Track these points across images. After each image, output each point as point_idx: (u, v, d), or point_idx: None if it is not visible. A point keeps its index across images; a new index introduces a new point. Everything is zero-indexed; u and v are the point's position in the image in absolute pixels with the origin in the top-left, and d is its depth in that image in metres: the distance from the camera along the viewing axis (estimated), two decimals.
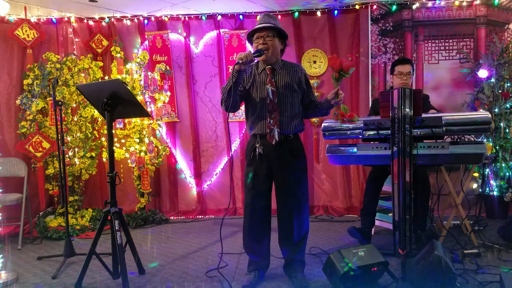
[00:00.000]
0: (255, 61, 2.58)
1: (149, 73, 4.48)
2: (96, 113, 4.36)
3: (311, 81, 4.62)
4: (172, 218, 4.69)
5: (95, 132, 4.47)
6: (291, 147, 2.58)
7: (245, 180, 2.68)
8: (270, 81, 2.55)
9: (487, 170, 4.23)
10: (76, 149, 4.34)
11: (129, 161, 4.37)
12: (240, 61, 2.37)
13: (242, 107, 2.76)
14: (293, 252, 2.67)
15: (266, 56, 2.53)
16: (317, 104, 2.68)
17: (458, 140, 2.79)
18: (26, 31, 4.32)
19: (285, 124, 2.55)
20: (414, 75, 4.44)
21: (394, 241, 2.59)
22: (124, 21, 4.70)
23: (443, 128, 2.55)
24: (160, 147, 4.55)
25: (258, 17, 4.59)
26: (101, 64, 4.55)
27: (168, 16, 4.69)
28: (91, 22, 4.69)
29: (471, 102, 4.35)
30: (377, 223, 3.67)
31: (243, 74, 2.49)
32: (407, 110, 2.44)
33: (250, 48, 4.67)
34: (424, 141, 2.70)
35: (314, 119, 4.65)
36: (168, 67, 4.63)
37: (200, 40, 4.74)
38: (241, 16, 4.65)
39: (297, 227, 2.63)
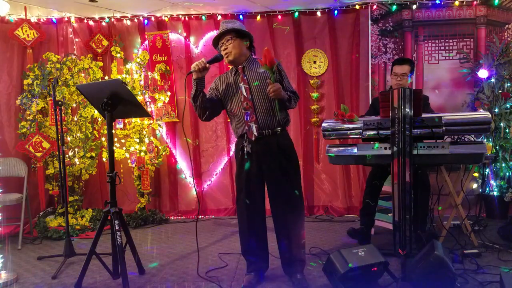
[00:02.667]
0: (217, 66, 2.62)
1: (149, 73, 4.48)
2: (96, 113, 4.36)
3: (311, 81, 4.63)
4: (172, 218, 4.69)
5: (95, 132, 4.47)
6: (279, 143, 2.58)
7: (236, 181, 2.69)
8: (242, 79, 2.58)
9: (487, 170, 4.23)
10: (76, 149, 4.34)
11: (129, 161, 4.38)
12: (192, 70, 2.46)
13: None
14: (292, 252, 2.65)
15: (229, 59, 2.58)
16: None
17: (458, 140, 2.78)
18: (26, 31, 4.32)
19: (264, 118, 2.56)
20: (414, 74, 4.44)
21: (394, 241, 2.59)
22: (124, 21, 4.70)
23: (443, 128, 2.55)
24: (160, 147, 4.55)
25: (258, 17, 4.62)
26: (101, 64, 4.55)
27: (168, 16, 4.69)
28: (91, 22, 4.69)
29: (471, 102, 4.35)
30: (377, 223, 3.67)
31: (202, 82, 2.54)
32: (407, 110, 2.44)
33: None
34: (424, 141, 2.70)
35: (314, 119, 4.65)
36: (168, 67, 4.64)
37: (200, 40, 4.74)
38: (241, 16, 4.64)
39: (293, 228, 2.61)
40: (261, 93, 2.57)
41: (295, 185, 2.63)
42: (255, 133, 2.54)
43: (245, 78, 2.58)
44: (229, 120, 4.64)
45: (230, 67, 2.69)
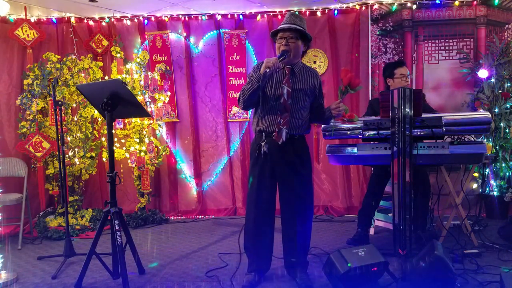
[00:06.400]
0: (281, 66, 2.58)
1: (149, 73, 4.48)
2: (96, 113, 4.36)
3: None
4: (172, 218, 4.69)
5: (95, 132, 4.47)
6: (296, 147, 2.58)
7: (249, 179, 2.68)
8: (287, 81, 2.55)
9: (487, 170, 4.23)
10: (76, 149, 4.34)
11: (129, 161, 4.37)
12: (268, 70, 2.40)
13: None
14: (296, 254, 2.66)
15: (288, 58, 2.54)
16: (322, 108, 2.69)
17: (458, 140, 2.78)
18: (26, 31, 4.31)
19: (294, 125, 2.56)
20: (413, 75, 4.44)
21: (394, 241, 2.59)
22: (124, 21, 4.70)
23: (443, 128, 2.56)
24: (160, 147, 4.55)
25: (259, 16, 4.63)
26: (101, 64, 4.55)
27: (168, 16, 4.69)
28: (91, 22, 4.69)
29: (471, 102, 4.34)
30: (377, 223, 3.68)
31: (267, 78, 2.51)
32: (407, 110, 2.45)
33: (251, 50, 4.70)
34: (424, 141, 2.71)
35: None
36: (168, 67, 4.64)
37: (200, 40, 4.74)
38: (241, 16, 4.65)
39: (300, 230, 2.61)
40: (299, 101, 2.56)
41: (306, 189, 2.64)
42: (284, 138, 2.52)
43: (290, 80, 2.55)
44: (229, 120, 4.73)
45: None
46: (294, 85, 2.56)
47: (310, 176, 2.70)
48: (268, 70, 2.40)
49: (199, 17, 4.69)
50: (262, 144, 2.55)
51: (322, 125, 2.91)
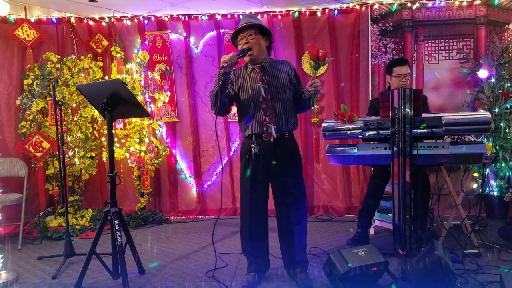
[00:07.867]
0: (239, 62, 2.55)
1: (149, 73, 4.48)
2: (96, 113, 4.36)
3: None
4: (172, 218, 4.69)
5: (95, 132, 4.47)
6: (287, 146, 2.59)
7: (241, 181, 2.68)
8: (261, 79, 2.55)
9: (487, 170, 4.23)
10: (76, 149, 4.34)
11: (129, 161, 4.38)
12: (225, 65, 2.38)
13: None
14: (295, 253, 2.66)
15: (251, 56, 2.53)
16: (303, 95, 2.68)
17: (458, 140, 2.78)
18: (26, 31, 4.32)
19: (280, 120, 2.55)
20: (413, 75, 4.44)
21: (394, 241, 2.59)
22: (124, 21, 4.70)
23: (443, 128, 2.55)
24: (160, 147, 4.55)
25: (258, 16, 4.62)
26: (101, 64, 4.55)
27: (168, 16, 4.69)
28: (91, 22, 4.69)
29: (471, 102, 4.35)
30: (377, 223, 3.68)
31: (229, 77, 2.50)
32: (407, 110, 2.44)
33: None
34: (424, 141, 2.70)
35: (314, 119, 4.65)
36: (168, 67, 4.64)
37: (200, 40, 4.75)
38: (241, 16, 4.64)
39: (296, 228, 2.62)
40: (279, 95, 2.56)
41: (300, 188, 2.64)
42: (274, 134, 2.52)
43: (263, 78, 2.55)
44: (229, 120, 4.72)
45: (246, 62, 2.62)
46: (269, 80, 2.56)
47: (301, 174, 2.70)
48: (225, 65, 2.38)
49: (199, 17, 4.69)
50: (253, 146, 2.55)
51: (322, 125, 2.90)
